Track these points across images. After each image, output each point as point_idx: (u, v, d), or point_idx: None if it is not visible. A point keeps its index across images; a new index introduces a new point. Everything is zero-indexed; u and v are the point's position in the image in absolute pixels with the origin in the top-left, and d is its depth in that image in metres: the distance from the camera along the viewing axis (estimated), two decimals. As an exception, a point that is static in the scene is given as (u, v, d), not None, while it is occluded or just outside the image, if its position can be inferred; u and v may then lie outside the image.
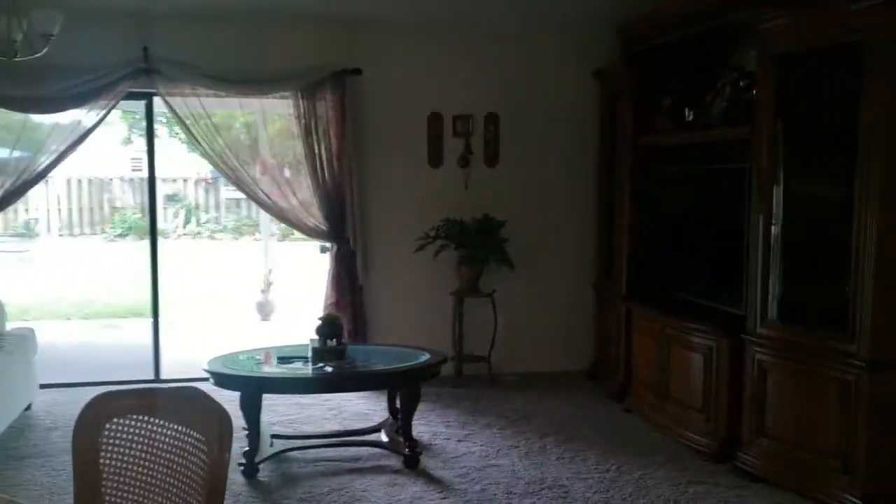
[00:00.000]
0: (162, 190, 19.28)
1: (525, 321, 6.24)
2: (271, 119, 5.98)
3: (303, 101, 5.72)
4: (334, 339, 4.37)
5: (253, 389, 4.05)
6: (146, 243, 16.66)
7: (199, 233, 18.62)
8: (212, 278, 12.23)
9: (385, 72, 5.93)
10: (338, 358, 4.30)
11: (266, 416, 4.88)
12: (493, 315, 5.95)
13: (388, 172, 6.02)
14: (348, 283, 5.86)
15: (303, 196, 5.86)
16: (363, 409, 5.26)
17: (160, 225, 18.40)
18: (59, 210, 18.51)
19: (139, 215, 19.01)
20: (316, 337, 4.37)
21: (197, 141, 5.66)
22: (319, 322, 4.39)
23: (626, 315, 5.46)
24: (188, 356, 6.54)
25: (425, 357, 4.46)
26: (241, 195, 19.25)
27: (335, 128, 5.76)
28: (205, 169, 23.88)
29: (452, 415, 5.20)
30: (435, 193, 6.07)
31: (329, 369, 4.20)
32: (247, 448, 4.07)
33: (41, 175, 5.29)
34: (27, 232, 14.19)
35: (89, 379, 5.80)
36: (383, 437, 4.50)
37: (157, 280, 6.01)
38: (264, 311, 8.87)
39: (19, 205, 18.43)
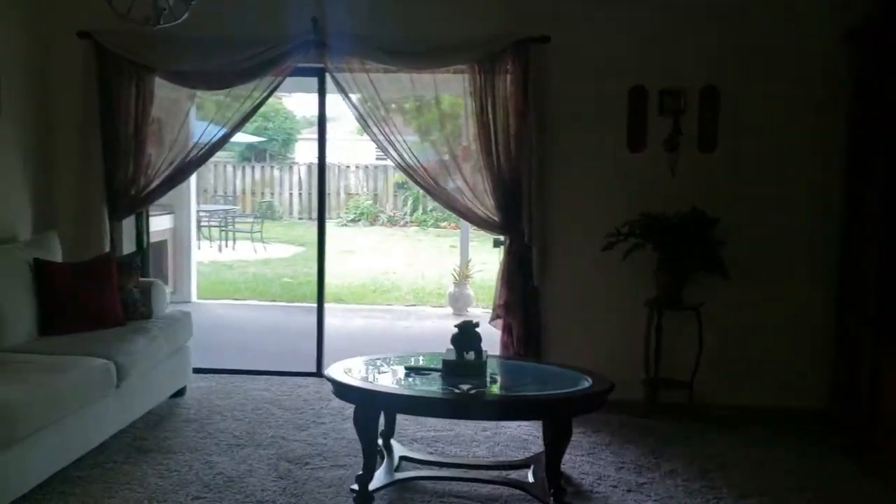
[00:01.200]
0: (392, 177, 19.78)
1: (740, 342, 5.06)
2: (442, 97, 5.34)
3: (479, 74, 5.02)
4: (472, 352, 3.64)
5: (367, 404, 3.44)
6: (377, 229, 16.77)
7: (424, 220, 18.81)
8: (422, 266, 12.02)
9: (577, 38, 5.05)
10: (473, 375, 3.56)
11: (411, 428, 4.31)
12: (697, 333, 4.86)
13: (576, 156, 5.13)
14: (521, 282, 5.09)
15: (474, 182, 5.18)
16: (525, 433, 4.46)
17: (389, 212, 18.84)
18: (300, 194, 19.67)
19: (371, 202, 19.65)
20: (450, 348, 3.66)
21: (364, 121, 5.17)
22: (455, 330, 3.67)
23: (873, 342, 4.14)
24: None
25: (585, 384, 3.58)
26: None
27: (515, 104, 5.00)
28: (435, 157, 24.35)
29: (630, 454, 4.23)
30: (632, 182, 5.09)
31: (461, 389, 3.48)
32: (360, 472, 3.47)
33: (206, 156, 5.10)
34: (268, 213, 14.99)
35: (257, 366, 5.62)
36: (530, 477, 3.69)
37: (322, 269, 5.67)
38: (457, 304, 8.35)
39: (266, 188, 19.86)
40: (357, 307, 8.79)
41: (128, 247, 5.26)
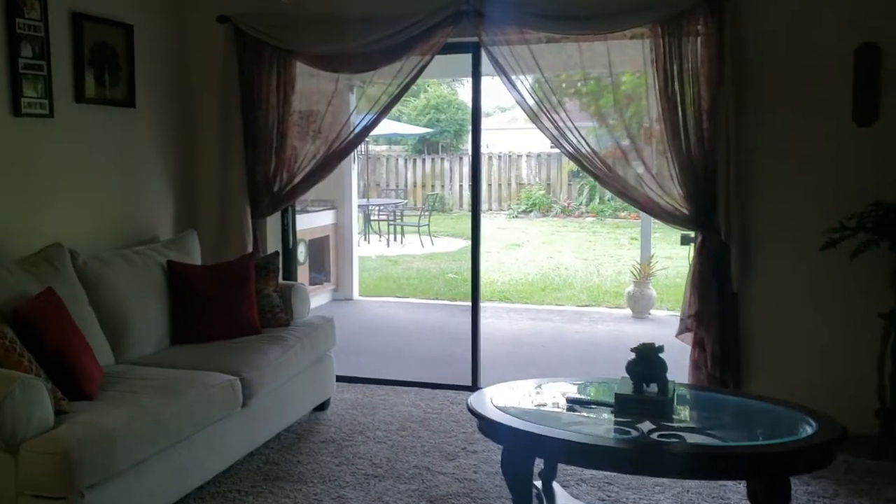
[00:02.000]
0: (567, 165, 18.87)
1: None
2: (619, 76, 4.53)
3: (663, 38, 4.17)
4: (653, 385, 2.85)
5: (516, 448, 2.75)
6: (549, 220, 16.07)
7: (601, 210, 17.77)
8: (598, 262, 11.13)
9: (787, -13, 4.08)
10: (655, 414, 2.78)
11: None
12: (952, 354, 3.75)
13: (786, 134, 4.15)
14: (717, 288, 4.19)
15: (657, 168, 4.34)
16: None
17: (563, 202, 17.98)
18: (471, 186, 19.18)
19: (543, 192, 18.88)
20: (626, 377, 2.90)
21: (524, 100, 4.48)
22: (633, 355, 2.90)
23: None
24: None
25: (808, 429, 2.68)
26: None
27: (708, 72, 4.10)
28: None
29: (863, 513, 3.26)
30: (861, 163, 4.05)
31: (638, 431, 2.71)
32: (511, 528, 2.80)
33: (352, 144, 4.62)
34: (438, 206, 14.67)
35: (408, 375, 5.11)
36: (730, 546, 2.85)
37: (477, 270, 5.04)
38: (637, 306, 7.45)
39: (437, 181, 19.65)
40: (524, 307, 8.12)
41: (273, 246, 4.90)
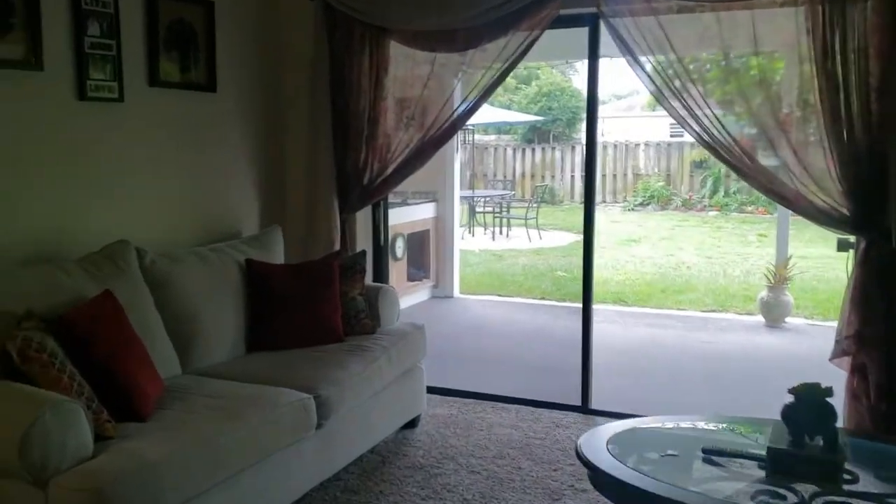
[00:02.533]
0: (689, 155, 17.76)
1: None
2: (763, 45, 3.82)
3: (823, 3, 3.45)
4: (820, 437, 2.22)
5: (638, 514, 2.19)
6: (669, 214, 15.14)
7: (726, 204, 16.59)
8: (724, 261, 10.23)
9: None
10: (822, 478, 2.14)
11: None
12: None
13: (981, 116, 3.35)
14: (883, 305, 3.45)
15: (809, 159, 3.63)
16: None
17: (684, 194, 16.93)
18: (583, 176, 18.32)
19: (662, 183, 17.84)
20: (779, 422, 2.28)
21: (651, 82, 3.86)
22: (791, 397, 2.27)
23: None
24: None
25: None
26: (778, 162, 16.75)
27: (879, 44, 3.36)
28: (743, 130, 21.67)
29: None
30: None
31: (798, 497, 2.09)
32: None
33: (449, 131, 4.12)
34: (547, 197, 14.04)
35: (509, 389, 4.60)
36: None
37: (589, 270, 4.45)
38: (772, 314, 6.63)
39: (546, 171, 18.94)
40: (641, 311, 7.43)
41: (363, 244, 4.48)
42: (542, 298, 8.02)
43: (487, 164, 18.78)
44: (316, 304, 3.65)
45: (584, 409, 4.26)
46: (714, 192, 16.91)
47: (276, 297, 3.62)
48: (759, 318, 6.85)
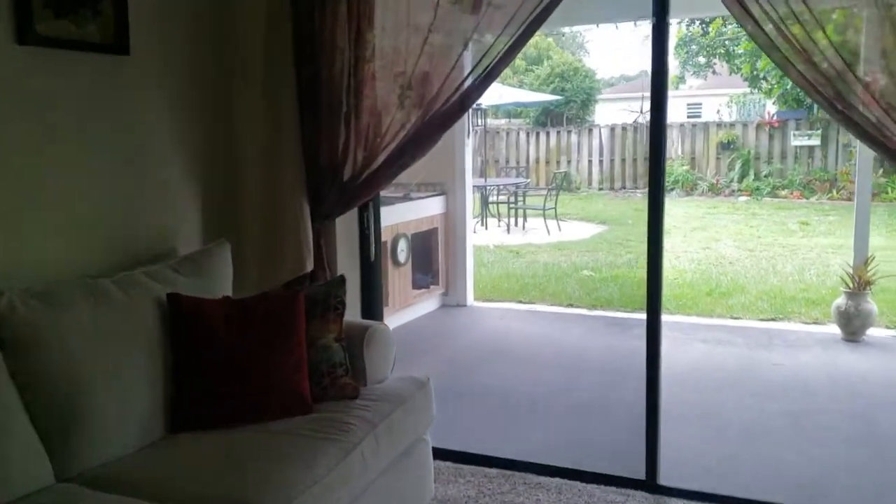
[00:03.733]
0: (714, 137, 16.51)
1: None
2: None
3: None
4: None
5: None
6: (695, 200, 13.90)
7: (757, 188, 15.33)
8: (769, 254, 9.03)
9: None
10: None
11: None
12: None
13: None
14: None
15: None
16: None
17: (711, 178, 15.70)
18: (601, 161, 17.19)
19: (686, 167, 16.60)
20: None
21: (777, 51, 2.65)
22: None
23: None
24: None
25: None
26: (813, 142, 15.41)
27: None
28: (771, 108, 20.37)
29: None
30: None
31: None
32: None
33: (458, 107, 2.96)
34: (564, 185, 12.87)
35: (539, 452, 3.47)
36: None
37: (657, 284, 3.29)
38: (850, 325, 5.46)
39: (562, 156, 17.72)
40: (687, 321, 6.27)
41: (346, 261, 3.34)
42: (570, 306, 6.86)
43: (499, 149, 17.59)
44: (271, 358, 2.52)
45: (652, 485, 3.11)
46: (743, 175, 15.69)
47: (213, 348, 2.49)
48: (832, 330, 5.71)
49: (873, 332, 5.55)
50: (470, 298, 6.83)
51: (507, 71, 23.92)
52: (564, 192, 14.03)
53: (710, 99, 22.81)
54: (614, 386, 4.55)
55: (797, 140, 15.53)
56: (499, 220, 12.21)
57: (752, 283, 7.53)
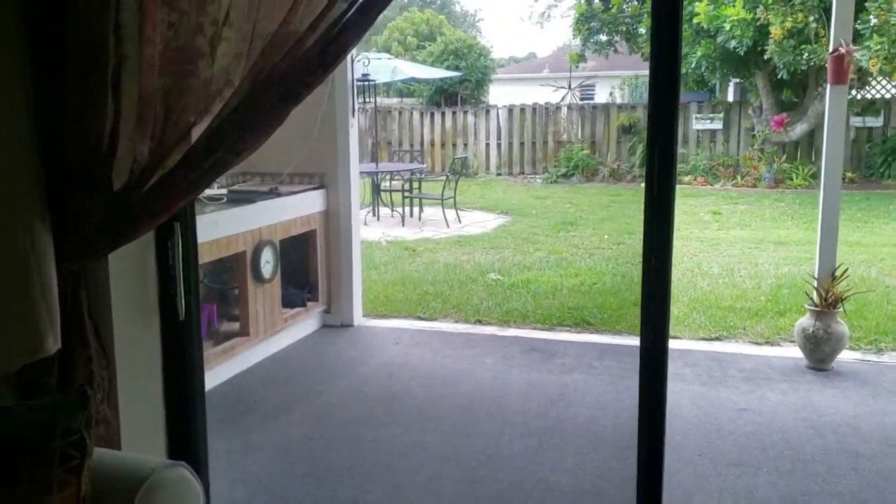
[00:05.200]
0: (615, 119, 15.77)
1: None
2: None
3: None
4: None
5: None
6: (596, 186, 12.90)
7: (659, 175, 14.66)
8: (691, 250, 8.13)
9: None
10: None
11: None
12: None
13: None
14: None
15: None
16: None
17: (611, 164, 14.90)
18: (499, 145, 16.13)
19: (587, 151, 15.77)
20: None
21: None
22: None
23: None
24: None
25: None
26: (715, 126, 14.86)
27: None
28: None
29: None
30: None
31: None
32: None
33: (312, 63, 1.68)
34: (462, 170, 11.69)
35: None
36: None
37: (665, 285, 2.12)
38: (818, 351, 4.52)
39: (458, 139, 16.58)
40: (619, 342, 5.21)
41: (129, 322, 1.98)
42: (479, 322, 5.68)
43: (391, 130, 16.24)
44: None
45: None
46: (644, 160, 15.02)
47: None
48: (790, 353, 4.81)
49: (845, 359, 4.65)
50: (358, 315, 5.54)
51: (398, 48, 22.46)
52: (462, 178, 12.88)
53: (603, 81, 22.28)
54: (549, 458, 3.40)
55: (699, 123, 14.98)
56: (392, 210, 10.93)
57: (680, 289, 6.58)
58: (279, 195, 4.87)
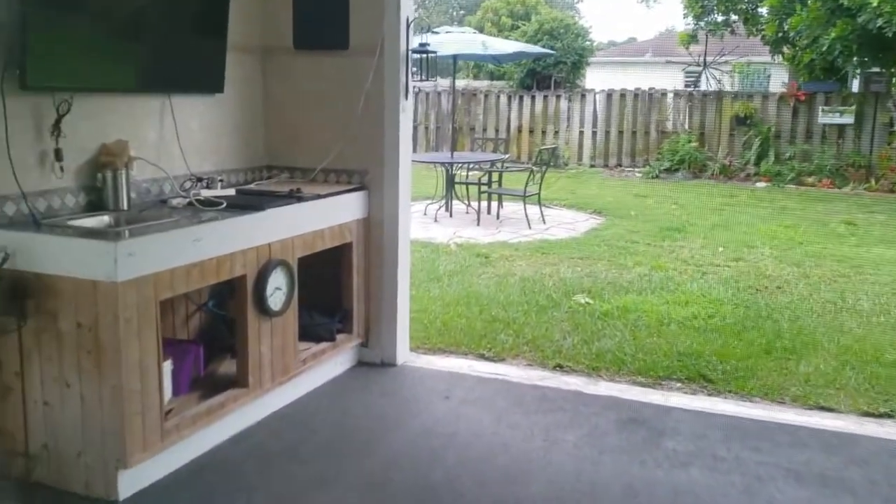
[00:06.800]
0: (728, 109, 14.00)
1: None
2: None
3: None
4: None
5: None
6: (705, 184, 11.01)
7: (779, 173, 12.85)
8: (828, 272, 6.53)
9: None
10: None
11: None
12: None
13: None
14: None
15: None
16: None
17: (722, 159, 13.11)
18: (594, 133, 14.58)
19: (695, 144, 14.03)
20: None
21: None
22: None
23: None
24: None
25: None
26: (845, 120, 12.84)
27: None
28: (777, 79, 17.84)
29: None
30: None
31: None
32: None
33: None
34: (550, 161, 10.31)
35: None
36: None
37: None
38: None
39: (549, 125, 15.14)
40: (755, 414, 3.82)
41: None
42: (559, 368, 4.38)
43: (475, 115, 14.97)
44: None
45: None
46: (761, 157, 13.23)
47: None
48: None
49: None
50: (403, 350, 4.35)
51: (491, 28, 20.98)
52: (551, 169, 11.50)
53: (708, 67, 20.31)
54: None
55: (826, 117, 13.08)
56: (467, 206, 9.69)
57: (824, 331, 5.09)
58: (300, 199, 3.69)
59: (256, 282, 3.35)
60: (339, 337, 4.09)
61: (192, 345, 3.43)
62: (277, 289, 3.48)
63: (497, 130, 14.69)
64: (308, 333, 3.91)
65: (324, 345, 3.97)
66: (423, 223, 8.88)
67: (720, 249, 7.66)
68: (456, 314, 5.23)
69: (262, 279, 3.36)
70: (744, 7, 13.89)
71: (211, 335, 3.81)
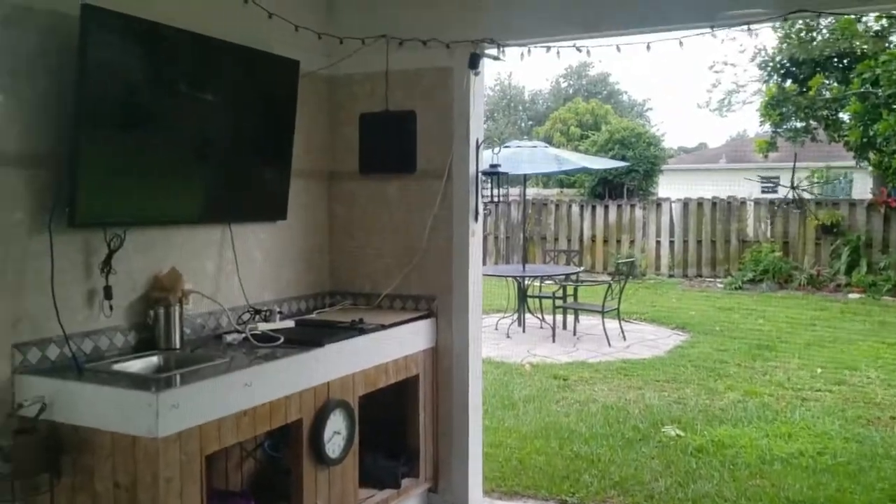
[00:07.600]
0: (812, 217, 13.39)
1: None
2: None
3: None
4: None
5: None
6: (791, 296, 10.27)
7: (873, 283, 12.05)
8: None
9: None
10: None
11: None
12: None
13: None
14: None
15: None
16: None
17: (809, 268, 12.37)
18: (672, 242, 14.11)
19: (779, 253, 13.39)
20: None
21: None
22: None
23: None
24: None
25: None
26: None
27: None
28: (862, 185, 17.12)
29: None
30: None
31: None
32: None
33: None
34: (629, 274, 9.87)
35: None
36: None
37: None
38: None
39: (623, 235, 14.77)
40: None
41: None
42: (652, 520, 3.89)
43: (547, 224, 14.75)
44: None
45: None
46: (852, 266, 12.48)
47: None
48: None
49: None
50: (476, 496, 3.93)
51: (560, 138, 21.00)
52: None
53: (785, 173, 19.71)
54: None
55: (921, 223, 12.31)
56: (541, 320, 9.30)
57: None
58: (363, 331, 3.41)
59: (313, 427, 3.05)
60: (405, 482, 3.71)
61: (241, 499, 3.11)
62: (336, 433, 3.16)
63: (569, 240, 14.40)
64: (370, 478, 3.55)
65: (388, 492, 3.60)
66: (494, 339, 8.51)
67: (818, 371, 7.02)
68: (534, 449, 4.79)
69: (319, 423, 3.06)
70: (824, 114, 13.48)
71: (266, 481, 3.49)
